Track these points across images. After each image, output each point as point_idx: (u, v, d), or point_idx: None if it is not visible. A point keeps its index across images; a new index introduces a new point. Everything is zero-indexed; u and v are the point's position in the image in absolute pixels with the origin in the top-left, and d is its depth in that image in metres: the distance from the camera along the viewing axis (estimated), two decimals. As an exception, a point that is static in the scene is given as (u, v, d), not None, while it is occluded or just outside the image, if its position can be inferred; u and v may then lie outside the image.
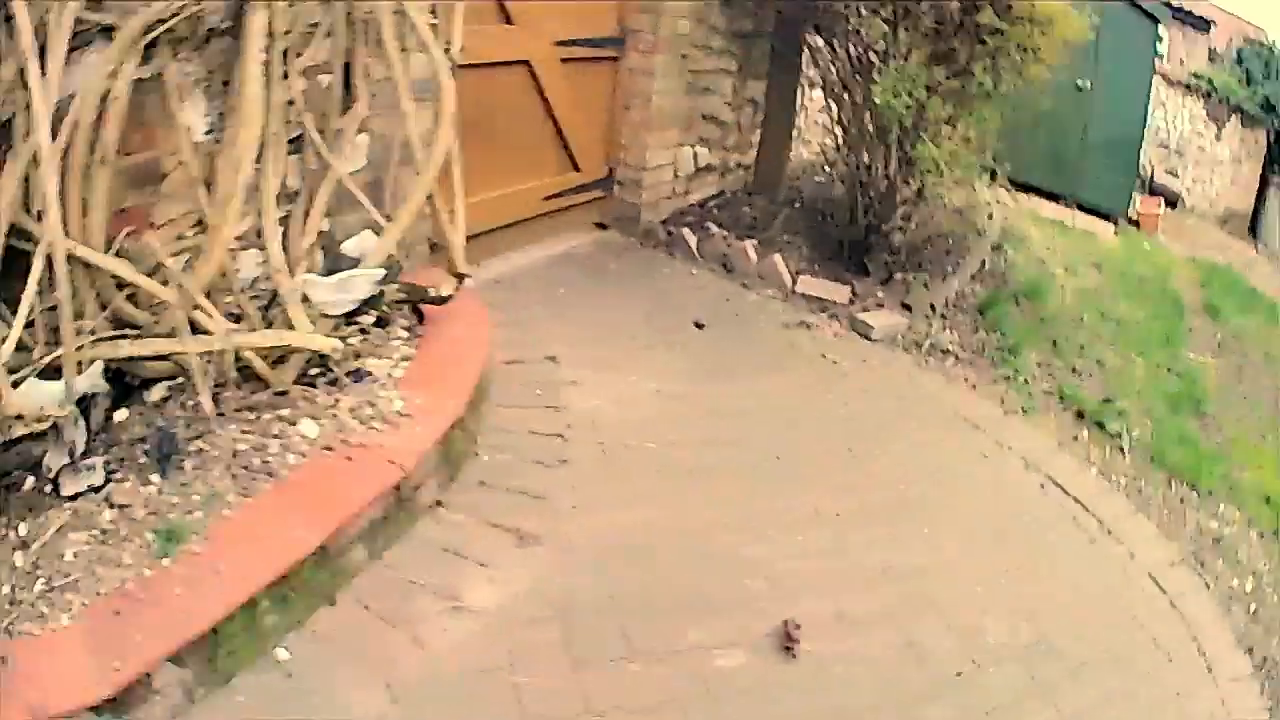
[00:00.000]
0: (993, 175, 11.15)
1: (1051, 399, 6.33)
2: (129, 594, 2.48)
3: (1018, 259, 8.83)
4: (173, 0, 3.00)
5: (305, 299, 3.47)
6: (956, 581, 4.08)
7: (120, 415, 3.15)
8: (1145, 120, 12.14)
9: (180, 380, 3.22)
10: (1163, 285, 9.97)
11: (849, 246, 7.35)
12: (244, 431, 3.16)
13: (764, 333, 5.99)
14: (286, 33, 3.44)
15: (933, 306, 7.09)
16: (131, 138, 3.12)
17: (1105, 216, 12.02)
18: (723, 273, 6.74)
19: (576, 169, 6.60)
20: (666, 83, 6.74)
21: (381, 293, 3.80)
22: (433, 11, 4.14)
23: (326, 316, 3.54)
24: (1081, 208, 11.98)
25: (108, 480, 2.90)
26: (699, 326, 5.87)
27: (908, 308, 6.71)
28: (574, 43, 6.15)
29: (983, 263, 8.36)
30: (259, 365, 3.29)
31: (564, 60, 6.07)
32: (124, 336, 3.02)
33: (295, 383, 3.42)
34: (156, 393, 3.17)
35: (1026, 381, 6.40)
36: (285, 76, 3.49)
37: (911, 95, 6.07)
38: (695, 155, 7.47)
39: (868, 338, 6.23)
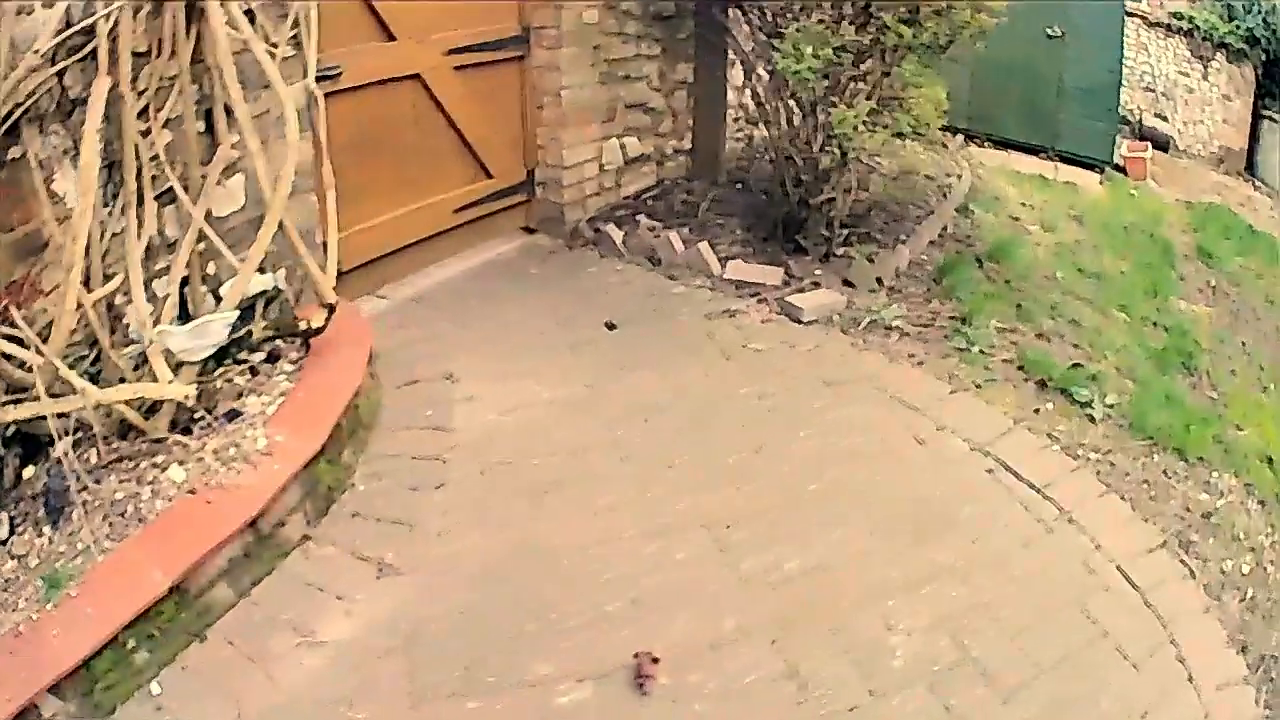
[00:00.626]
0: (966, 135, 10.55)
1: (1012, 369, 5.56)
2: (21, 635, 2.72)
3: (987, 219, 8.15)
4: (28, 79, 3.17)
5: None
6: (862, 590, 3.59)
7: (28, 472, 3.34)
8: (1121, 63, 11.39)
9: (79, 435, 3.33)
10: (1151, 232, 9.21)
11: (783, 225, 6.69)
12: (122, 480, 3.34)
13: (683, 326, 5.59)
14: (143, 91, 3.62)
15: (879, 280, 6.41)
16: (11, 213, 3.32)
17: (1090, 166, 11.33)
18: (649, 266, 6.38)
19: (489, 176, 6.38)
20: (577, 76, 6.48)
21: (249, 332, 3.90)
22: (294, 41, 4.26)
23: (190, 363, 3.61)
24: (1065, 159, 11.34)
25: (11, 533, 3.12)
26: (610, 327, 5.54)
27: (850, 284, 6.35)
28: (468, 49, 5.91)
29: (944, 227, 7.60)
30: (132, 416, 3.42)
31: (458, 68, 5.87)
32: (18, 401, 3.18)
33: (174, 428, 3.54)
34: (60, 448, 3.23)
35: (983, 352, 5.63)
36: (148, 133, 3.65)
37: (818, 57, 5.52)
38: (624, 147, 7.20)
39: (799, 320, 5.74)
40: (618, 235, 6.59)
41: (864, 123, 5.82)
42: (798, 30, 5.67)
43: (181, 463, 3.42)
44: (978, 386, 5.31)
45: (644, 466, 4.20)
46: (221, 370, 3.89)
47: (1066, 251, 7.93)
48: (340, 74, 5.00)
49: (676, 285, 6.09)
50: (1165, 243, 8.96)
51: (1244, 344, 7.12)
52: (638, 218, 6.86)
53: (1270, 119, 14.90)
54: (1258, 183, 15.04)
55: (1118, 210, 9.69)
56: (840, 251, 6.53)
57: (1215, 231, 9.95)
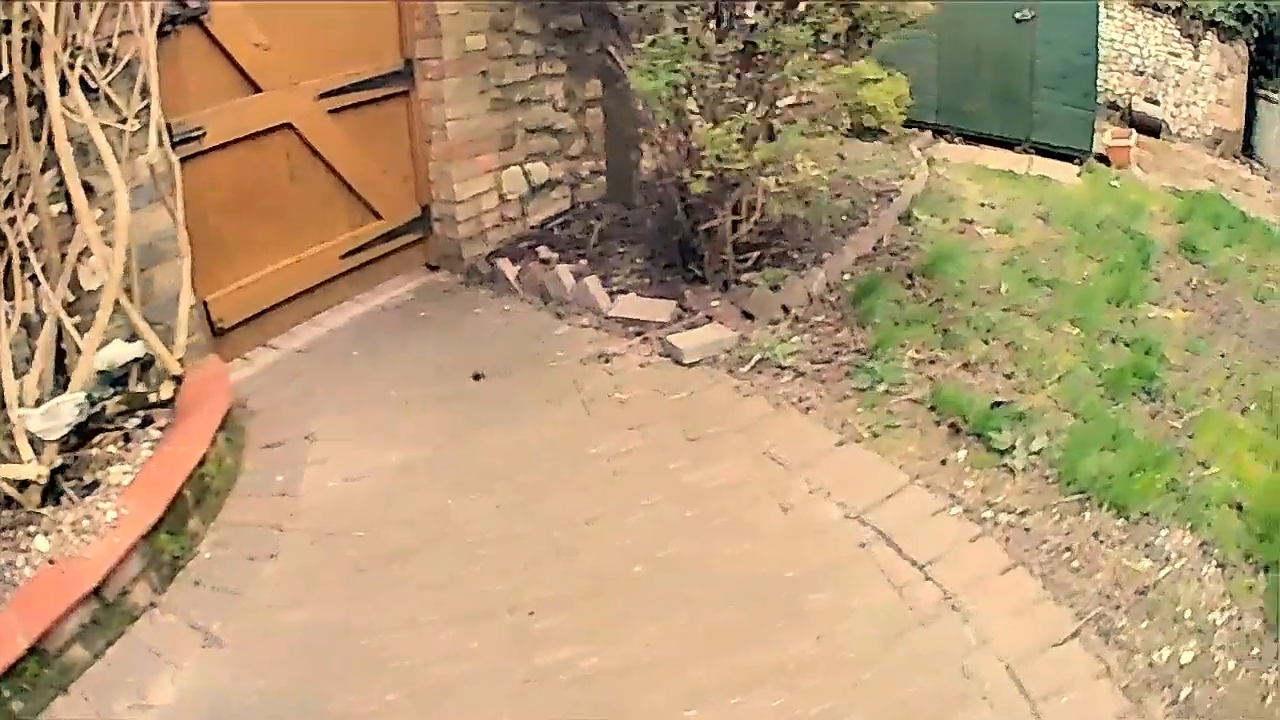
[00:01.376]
0: (935, 131, 9.68)
1: (922, 410, 4.73)
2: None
3: (934, 225, 7.30)
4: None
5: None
6: (664, 698, 3.12)
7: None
8: (1097, 45, 10.40)
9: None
10: (1128, 227, 8.23)
11: (681, 253, 5.88)
12: (2, 548, 3.52)
13: (554, 373, 5.13)
14: (5, 181, 3.85)
15: (785, 308, 5.60)
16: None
17: (1068, 157, 10.33)
18: (540, 304, 5.94)
19: (378, 217, 6.12)
20: (464, 106, 6.15)
21: (104, 407, 3.93)
22: (146, 111, 4.28)
23: (50, 442, 3.73)
24: (1041, 151, 10.35)
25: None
26: (477, 378, 5.12)
27: (750, 316, 5.56)
28: (342, 90, 5.67)
29: (880, 239, 6.75)
30: (10, 490, 3.60)
31: (334, 111, 5.65)
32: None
33: (45, 500, 3.69)
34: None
35: (889, 391, 4.81)
36: (14, 221, 3.88)
37: (677, 70, 4.98)
38: (528, 174, 6.76)
39: (680, 362, 5.15)
40: (511, 271, 6.16)
41: (739, 140, 5.04)
42: (652, 44, 5.10)
43: (46, 533, 3.60)
44: (874, 435, 4.49)
45: (469, 542, 3.90)
46: (90, 440, 3.98)
47: (1021, 257, 7.04)
48: (203, 135, 4.88)
49: (561, 325, 5.62)
50: (1142, 239, 7.98)
51: (1223, 355, 6.28)
52: (539, 249, 6.41)
53: (1266, 98, 13.95)
54: (1255, 164, 14.10)
55: (1093, 204, 8.75)
56: (744, 278, 5.74)
57: (1203, 221, 8.95)
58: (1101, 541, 3.98)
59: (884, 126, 9.46)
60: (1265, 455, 4.96)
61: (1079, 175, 9.85)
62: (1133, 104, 13.61)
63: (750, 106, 5.35)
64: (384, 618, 3.53)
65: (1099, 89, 13.98)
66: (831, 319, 5.53)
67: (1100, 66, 14.29)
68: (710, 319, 5.39)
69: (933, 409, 4.72)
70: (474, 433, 4.61)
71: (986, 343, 5.56)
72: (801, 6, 5.15)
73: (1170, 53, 14.11)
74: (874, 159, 8.54)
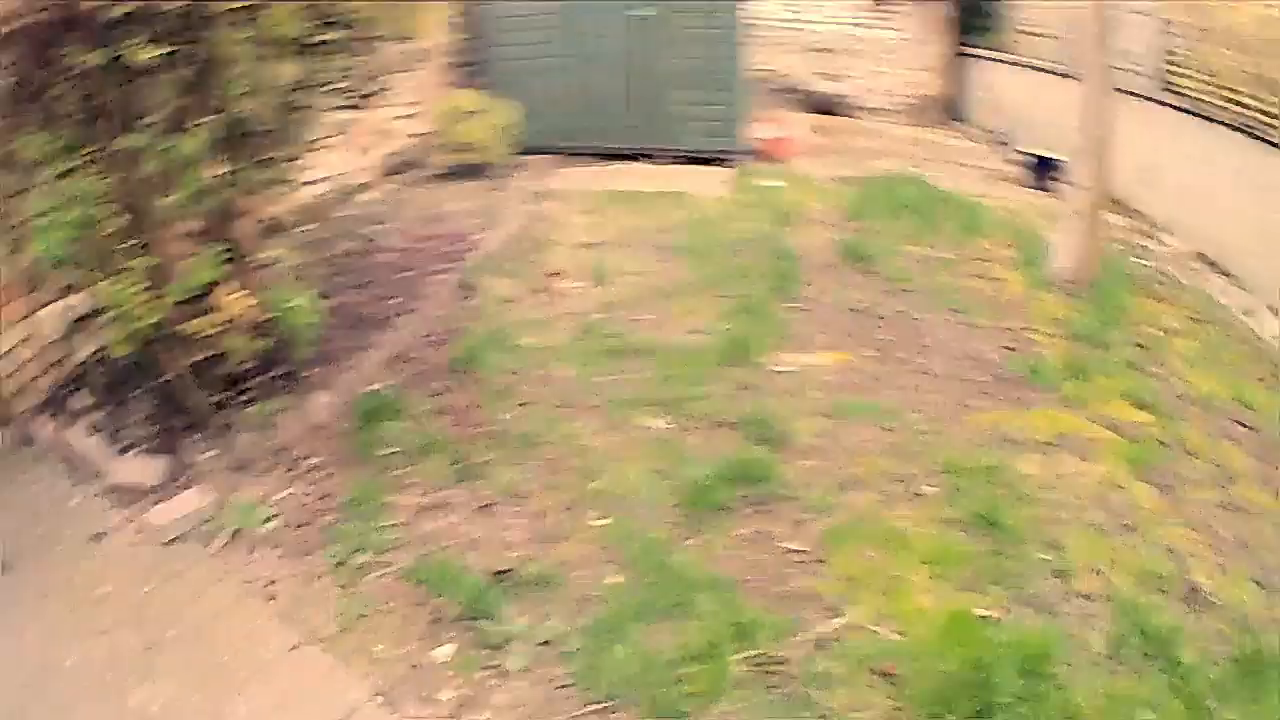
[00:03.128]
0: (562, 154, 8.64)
1: (411, 585, 3.64)
2: None
3: (503, 290, 6.26)
4: None
5: None
6: None
7: None
8: (735, 31, 9.48)
9: None
10: (775, 243, 7.31)
11: (173, 395, 4.68)
12: None
13: (53, 562, 4.09)
14: None
15: (282, 450, 4.48)
16: None
17: (718, 161, 9.44)
18: (65, 467, 4.72)
19: None
20: None
21: None
22: None
23: None
24: (684, 160, 9.45)
25: None
26: None
27: (243, 467, 4.48)
28: None
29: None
30: None
31: None
32: None
33: None
34: None
35: (367, 565, 3.71)
36: None
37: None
38: (70, 308, 5.41)
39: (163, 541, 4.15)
40: (46, 428, 5.02)
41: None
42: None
43: None
44: (340, 629, 3.49)
45: None
46: None
47: (608, 317, 6.01)
48: None
49: (76, 495, 4.52)
50: (789, 258, 7.08)
51: (888, 412, 5.26)
52: (73, 397, 5.23)
53: (974, 56, 13.70)
54: (964, 128, 13.80)
55: (732, 219, 7.80)
56: (240, 417, 4.58)
57: (883, 215, 8.17)
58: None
59: (486, 162, 8.49)
60: (947, 573, 4.01)
61: (725, 183, 8.95)
62: (811, 85, 13.08)
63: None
64: None
65: (774, 75, 13.50)
66: (331, 459, 4.51)
67: (778, 48, 13.82)
68: (193, 480, 4.39)
69: (421, 583, 3.67)
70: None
71: (521, 467, 4.48)
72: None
73: (856, 23, 13.61)
74: (462, 206, 7.52)
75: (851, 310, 6.43)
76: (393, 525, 4.04)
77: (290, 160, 4.68)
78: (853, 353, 5.87)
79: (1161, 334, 6.74)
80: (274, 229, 4.78)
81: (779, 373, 5.54)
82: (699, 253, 6.92)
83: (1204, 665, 3.61)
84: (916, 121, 13.28)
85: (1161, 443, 5.27)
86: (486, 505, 4.19)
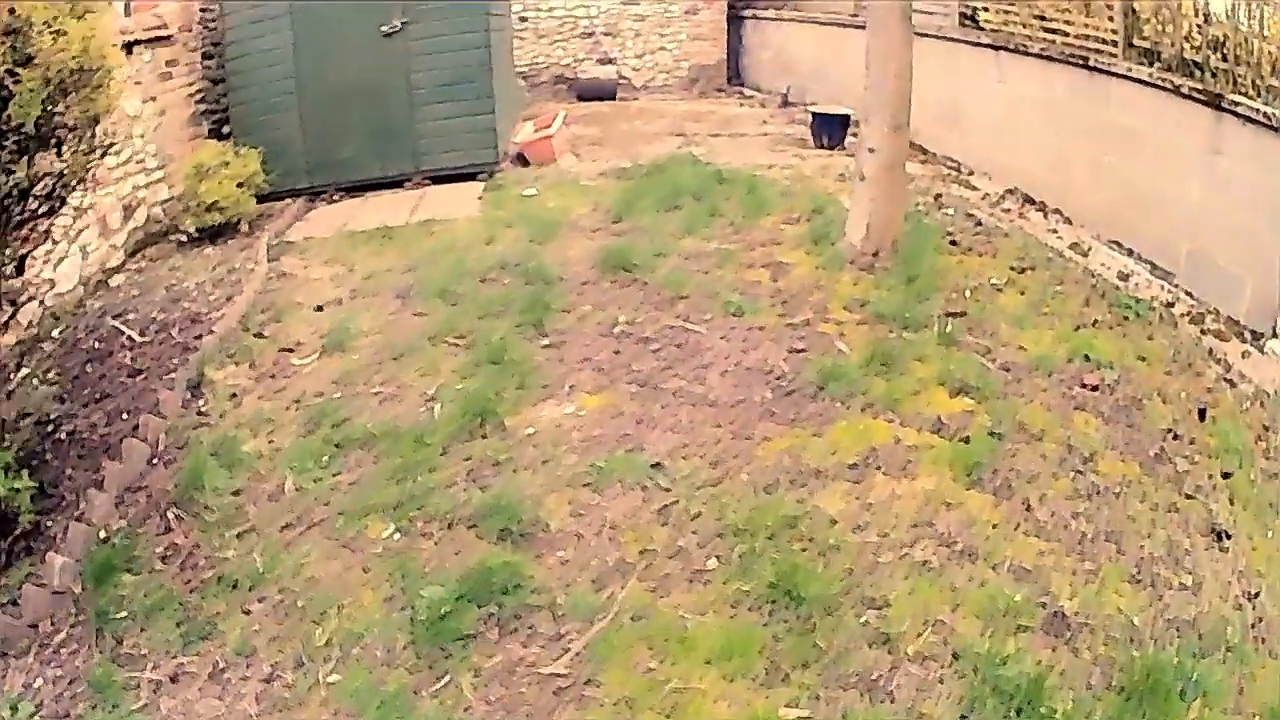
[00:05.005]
0: (313, 194, 7.52)
1: None
2: None
3: (232, 383, 5.14)
4: None
5: None
6: None
7: None
8: (487, 33, 8.36)
9: None
10: (531, 264, 6.23)
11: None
12: None
13: None
14: None
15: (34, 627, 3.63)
16: None
17: (473, 175, 8.38)
18: None
19: None
20: None
21: None
22: None
23: None
24: (439, 179, 8.37)
25: None
26: None
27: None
28: None
29: (156, 446, 4.53)
30: None
31: None
32: None
33: None
34: None
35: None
36: None
37: None
38: None
39: None
40: None
41: None
42: None
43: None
44: None
45: None
46: None
47: (339, 397, 4.94)
48: None
49: None
50: (545, 279, 6.02)
51: (644, 462, 4.24)
52: None
53: (753, 18, 12.86)
54: (744, 91, 12.98)
55: (484, 242, 6.77)
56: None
57: (650, 210, 7.21)
58: None
59: (234, 219, 7.26)
60: (742, 668, 3.22)
61: (480, 198, 7.87)
62: (579, 72, 12.06)
63: None
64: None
65: (547, 67, 12.61)
66: (74, 631, 3.62)
67: (552, 39, 12.82)
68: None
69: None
70: None
71: (250, 613, 3.58)
72: None
73: (624, 1, 12.75)
74: (206, 277, 6.31)
75: (614, 335, 5.39)
76: (137, 709, 3.27)
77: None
78: (615, 391, 4.85)
79: (981, 294, 6.00)
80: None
81: (530, 434, 4.48)
82: (445, 291, 5.87)
83: (1083, 709, 3.03)
84: (697, 94, 12.44)
85: (993, 433, 4.49)
86: (218, 671, 3.39)
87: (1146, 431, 4.64)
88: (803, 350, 5.21)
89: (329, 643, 3.42)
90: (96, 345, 5.50)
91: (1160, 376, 5.15)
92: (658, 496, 4.04)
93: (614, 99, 11.92)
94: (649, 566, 3.66)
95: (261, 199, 7.55)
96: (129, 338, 5.51)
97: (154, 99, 7.33)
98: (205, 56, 8.25)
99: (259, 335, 5.59)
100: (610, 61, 12.53)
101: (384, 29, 8.06)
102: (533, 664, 3.29)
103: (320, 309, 5.91)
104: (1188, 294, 6.15)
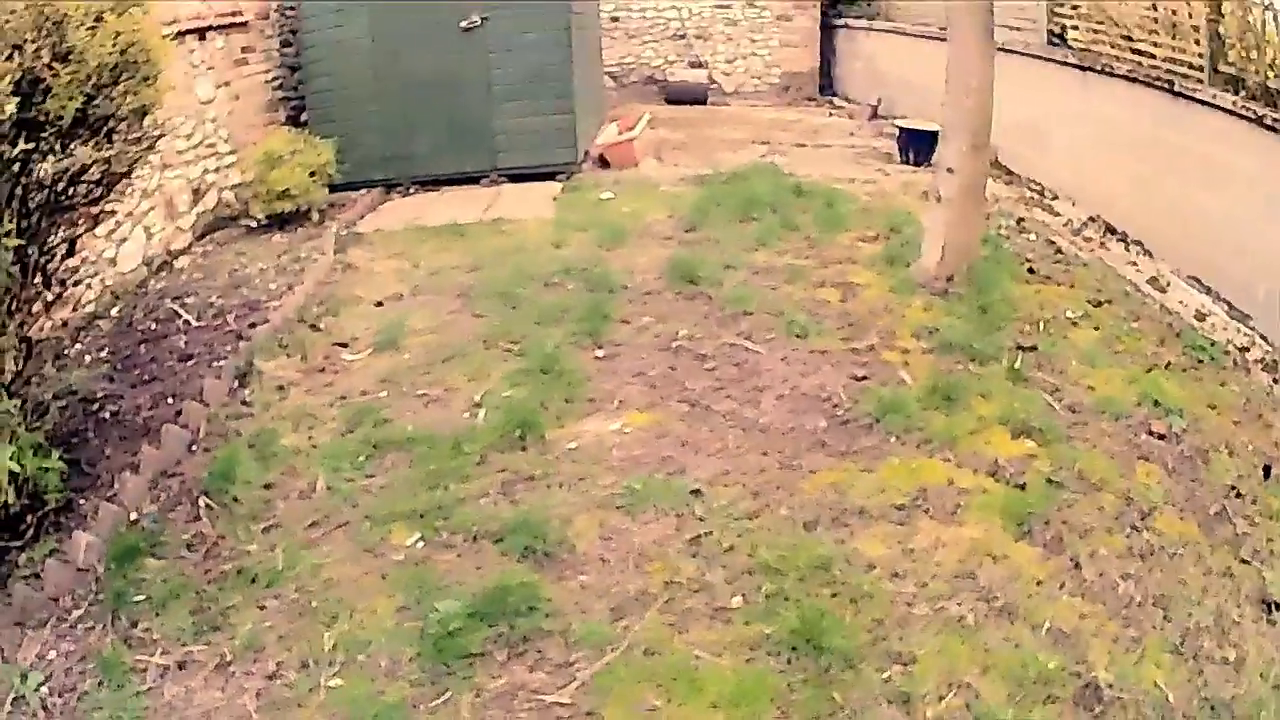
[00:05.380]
0: (388, 186, 7.53)
1: None
2: None
3: (284, 375, 5.12)
4: None
5: None
6: None
7: None
8: (568, 32, 8.29)
9: None
10: (597, 271, 6.10)
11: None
12: None
13: None
14: None
15: (55, 601, 3.62)
16: None
17: (551, 176, 8.29)
18: None
19: None
20: None
21: None
22: None
23: None
24: (516, 177, 8.32)
25: None
26: None
27: (21, 623, 3.58)
28: None
29: (197, 432, 4.52)
30: None
31: None
32: None
33: None
34: None
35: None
36: None
37: None
38: None
39: None
40: None
41: None
42: None
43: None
44: None
45: None
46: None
47: (385, 397, 4.85)
48: None
49: None
50: (608, 287, 5.89)
51: (683, 487, 4.07)
52: None
53: (844, 26, 12.60)
54: (835, 101, 12.70)
55: (553, 245, 6.65)
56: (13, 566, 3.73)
57: (725, 220, 7.04)
58: None
59: (304, 208, 7.26)
60: (751, 717, 3.04)
61: (555, 199, 7.74)
62: (669, 75, 11.91)
63: None
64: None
65: (635, 68, 12.49)
66: (93, 609, 3.60)
67: (642, 40, 12.70)
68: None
69: None
70: None
71: (263, 610, 3.53)
72: None
73: (720, 5, 12.57)
74: (270, 264, 6.32)
75: (671, 350, 5.22)
76: (143, 691, 3.26)
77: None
78: (664, 409, 4.66)
79: (1055, 327, 5.67)
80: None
81: (570, 449, 4.35)
82: (506, 294, 5.77)
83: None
84: (786, 101, 12.20)
85: (1051, 480, 4.19)
86: (224, 663, 3.35)
87: (1210, 487, 4.34)
88: (864, 378, 4.97)
89: (336, 647, 3.35)
90: (153, 327, 5.53)
91: (1229, 426, 4.85)
92: (691, 525, 3.86)
93: (704, 103, 11.77)
94: (670, 600, 3.50)
95: (335, 189, 7.57)
96: (185, 321, 5.53)
97: (228, 84, 7.39)
98: (284, 44, 8.33)
99: (314, 327, 5.57)
100: (701, 65, 12.38)
101: (462, 24, 8.05)
102: (536, 690, 3.16)
103: (380, 304, 5.88)
104: (1263, 338, 5.86)
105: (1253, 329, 5.97)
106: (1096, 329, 5.72)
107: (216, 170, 7.22)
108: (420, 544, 3.82)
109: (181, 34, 6.65)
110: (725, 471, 4.21)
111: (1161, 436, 4.65)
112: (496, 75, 8.10)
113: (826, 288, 6.04)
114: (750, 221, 7.08)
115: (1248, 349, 5.77)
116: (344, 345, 5.37)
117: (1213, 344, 5.73)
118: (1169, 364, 5.39)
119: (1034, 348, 5.35)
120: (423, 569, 3.67)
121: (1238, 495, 4.30)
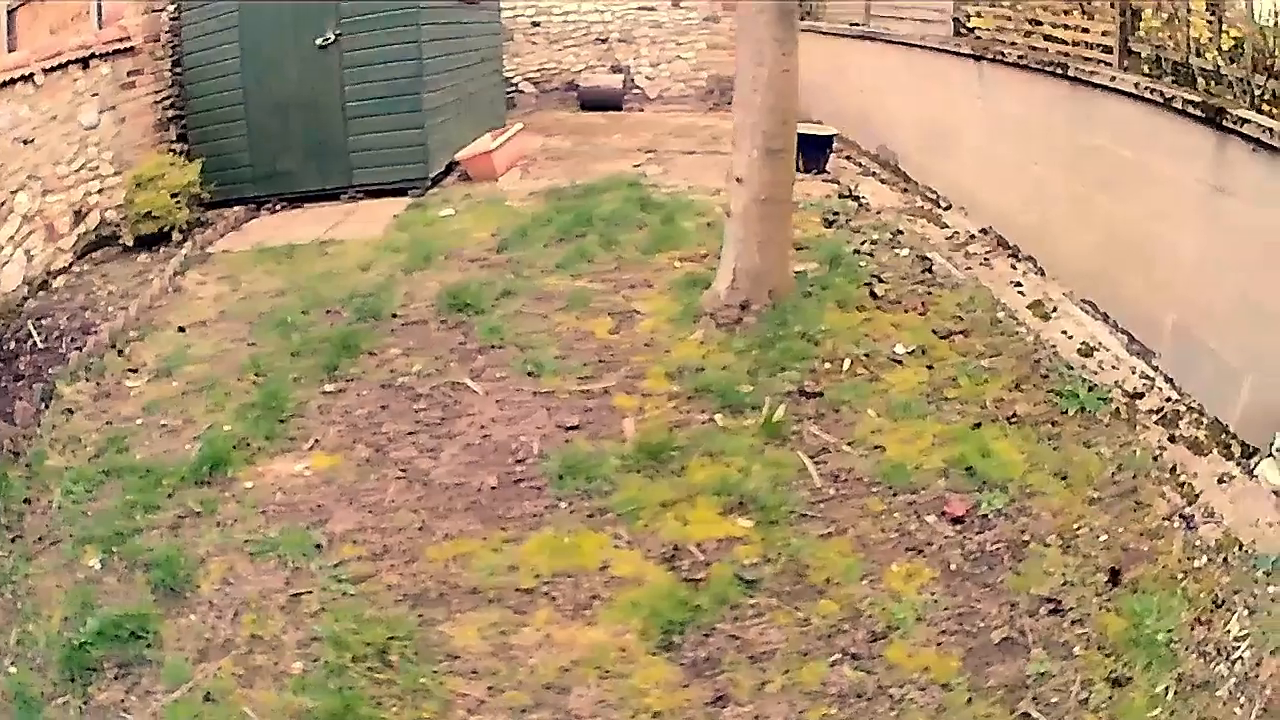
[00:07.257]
0: (256, 203, 7.91)
1: None
2: None
3: (70, 399, 5.42)
4: None
5: None
6: None
7: None
8: (418, 46, 8.56)
9: None
10: (374, 300, 6.28)
11: None
12: None
13: None
14: None
15: None
16: None
17: (403, 191, 8.62)
18: None
19: None
20: None
21: None
22: None
23: None
24: (372, 193, 8.63)
25: None
26: None
27: None
28: None
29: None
30: None
31: None
32: None
33: None
34: None
35: None
36: None
37: None
38: None
39: None
40: None
41: None
42: None
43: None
44: None
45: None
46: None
47: (139, 425, 5.17)
48: None
49: None
50: (374, 316, 6.09)
51: (308, 541, 4.19)
52: None
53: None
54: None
55: (365, 268, 6.90)
56: None
57: (546, 239, 7.11)
58: None
59: (169, 228, 7.74)
60: None
61: (396, 216, 7.98)
62: (580, 81, 12.08)
63: None
64: None
65: (550, 74, 12.48)
66: None
67: (555, 46, 12.65)
68: None
69: None
70: None
71: None
72: None
73: (642, 8, 12.60)
74: (118, 287, 6.78)
75: (391, 387, 5.37)
76: None
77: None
78: (346, 454, 4.76)
79: (868, 366, 5.02)
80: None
81: (247, 489, 4.65)
82: (286, 322, 6.07)
83: None
84: (710, 106, 12.22)
85: (743, 579, 3.56)
86: None
87: (1006, 600, 3.33)
88: (575, 427, 4.66)
89: (20, 643, 3.67)
90: (13, 346, 5.87)
91: (1077, 508, 3.86)
92: (301, 580, 3.90)
93: (619, 109, 11.79)
94: (248, 653, 3.62)
95: (212, 206, 7.96)
96: (32, 343, 5.90)
97: (113, 108, 7.74)
98: (175, 64, 8.55)
99: (120, 353, 5.88)
100: (622, 69, 12.43)
101: (318, 41, 8.26)
102: (125, 709, 3.46)
103: (183, 330, 6.15)
104: (1169, 380, 4.76)
105: (1155, 368, 4.90)
106: (930, 368, 4.99)
107: (100, 192, 7.59)
108: (99, 566, 4.18)
109: (64, 65, 7.08)
110: (362, 528, 4.14)
111: (958, 520, 3.67)
112: (350, 91, 8.34)
113: (602, 317, 5.84)
114: (571, 240, 7.05)
115: (1141, 395, 4.68)
116: (134, 371, 5.69)
117: (1091, 389, 4.70)
118: (1013, 416, 4.48)
119: (819, 394, 4.72)
120: (91, 589, 4.00)
121: (1052, 612, 3.27)
